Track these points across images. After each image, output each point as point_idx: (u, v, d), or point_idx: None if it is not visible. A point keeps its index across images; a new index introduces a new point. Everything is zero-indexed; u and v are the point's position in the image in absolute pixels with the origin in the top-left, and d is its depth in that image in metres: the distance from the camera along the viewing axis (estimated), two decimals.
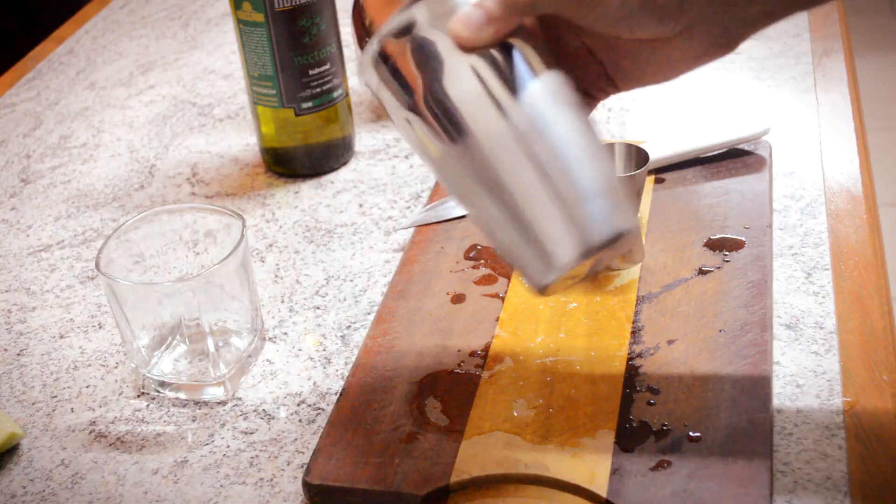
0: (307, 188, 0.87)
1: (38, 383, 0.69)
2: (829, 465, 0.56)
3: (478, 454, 0.57)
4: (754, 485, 0.53)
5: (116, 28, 1.24)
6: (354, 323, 0.71)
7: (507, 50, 0.50)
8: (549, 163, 0.49)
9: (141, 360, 0.66)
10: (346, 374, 0.66)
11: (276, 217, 0.84)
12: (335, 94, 0.86)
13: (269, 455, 0.61)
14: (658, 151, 0.79)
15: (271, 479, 0.59)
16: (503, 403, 0.61)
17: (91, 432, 0.64)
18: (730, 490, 0.53)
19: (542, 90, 0.50)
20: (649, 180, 0.79)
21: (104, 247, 0.64)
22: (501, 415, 0.60)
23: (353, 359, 0.67)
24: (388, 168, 0.89)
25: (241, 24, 0.82)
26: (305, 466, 0.59)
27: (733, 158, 0.81)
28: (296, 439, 0.62)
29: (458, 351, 0.65)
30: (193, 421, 0.64)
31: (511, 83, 0.50)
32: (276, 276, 0.77)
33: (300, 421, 0.63)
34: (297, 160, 0.88)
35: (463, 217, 0.78)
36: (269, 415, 0.64)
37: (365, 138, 0.93)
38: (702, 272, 0.69)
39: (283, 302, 0.74)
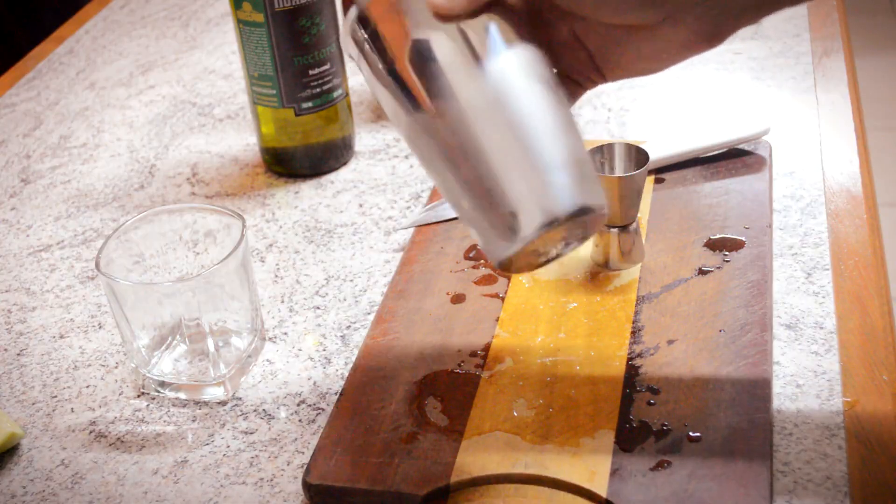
0: (307, 188, 0.87)
1: (38, 383, 0.69)
2: (829, 465, 0.56)
3: (478, 454, 0.57)
4: (754, 485, 0.53)
5: (116, 28, 1.24)
6: (354, 323, 0.71)
7: (482, 22, 0.50)
8: (514, 133, 0.49)
9: (141, 360, 0.66)
10: (346, 374, 0.66)
11: (276, 217, 0.84)
12: (335, 94, 0.86)
13: (269, 455, 0.61)
14: (658, 151, 0.79)
15: (271, 479, 0.59)
16: (503, 403, 0.61)
17: (91, 432, 0.64)
18: (730, 490, 0.53)
19: (514, 61, 0.50)
20: (649, 180, 0.79)
21: (104, 247, 0.64)
22: (501, 415, 0.60)
23: (353, 359, 0.67)
24: (388, 168, 0.89)
25: (241, 24, 0.82)
26: (305, 466, 0.59)
27: (733, 158, 0.81)
28: (296, 439, 0.62)
29: (458, 351, 0.65)
30: (193, 421, 0.64)
31: (481, 53, 0.50)
32: (276, 276, 0.77)
33: (300, 421, 0.63)
34: (297, 160, 0.88)
35: None
36: (269, 415, 0.64)
37: (365, 138, 0.93)
38: (702, 272, 0.69)
39: (283, 302, 0.74)
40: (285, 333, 0.71)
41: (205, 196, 0.87)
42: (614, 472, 0.55)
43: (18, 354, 0.71)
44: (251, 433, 0.63)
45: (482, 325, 0.67)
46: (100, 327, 0.73)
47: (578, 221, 0.49)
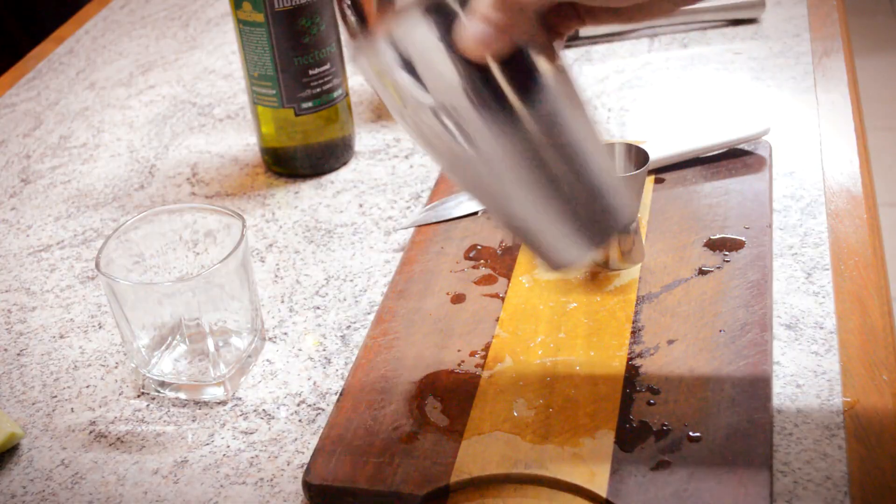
0: (307, 188, 0.87)
1: (38, 383, 0.69)
2: (829, 465, 0.56)
3: (478, 454, 0.57)
4: (754, 485, 0.53)
5: (116, 28, 1.24)
6: (354, 323, 0.71)
7: (517, 49, 0.50)
8: (571, 160, 0.51)
9: (141, 360, 0.66)
10: (346, 374, 0.66)
11: (276, 217, 0.84)
12: (335, 94, 0.86)
13: (269, 455, 0.61)
14: (658, 151, 0.79)
15: (271, 479, 0.59)
16: (503, 403, 0.61)
17: (91, 432, 0.64)
18: (730, 490, 0.53)
19: (557, 89, 0.50)
20: (649, 180, 0.79)
21: (104, 247, 0.64)
22: (501, 415, 0.60)
23: (353, 359, 0.67)
24: (388, 168, 0.89)
25: (241, 24, 0.82)
26: (305, 466, 0.59)
27: (733, 158, 0.81)
28: (296, 439, 0.62)
29: (458, 351, 0.65)
30: (193, 421, 0.64)
31: (528, 88, 0.50)
32: (276, 276, 0.77)
33: (300, 421, 0.63)
34: (297, 160, 0.88)
35: (463, 217, 0.78)
36: (269, 415, 0.64)
37: (365, 138, 0.93)
38: (702, 272, 0.69)
39: (283, 302, 0.74)
40: (285, 333, 0.71)
41: (205, 196, 0.87)
42: (614, 472, 0.55)
43: (18, 354, 0.71)
44: (251, 433, 0.63)
45: (482, 325, 0.67)
46: (100, 327, 0.73)
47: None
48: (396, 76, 0.50)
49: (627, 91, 0.96)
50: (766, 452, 0.55)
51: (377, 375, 0.64)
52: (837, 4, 1.08)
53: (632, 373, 0.62)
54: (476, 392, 0.62)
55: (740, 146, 0.82)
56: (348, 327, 0.71)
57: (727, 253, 0.70)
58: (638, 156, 0.69)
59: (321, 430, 0.62)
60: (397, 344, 0.66)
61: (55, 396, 0.67)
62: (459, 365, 0.64)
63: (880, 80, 2.63)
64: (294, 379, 0.67)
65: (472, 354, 0.65)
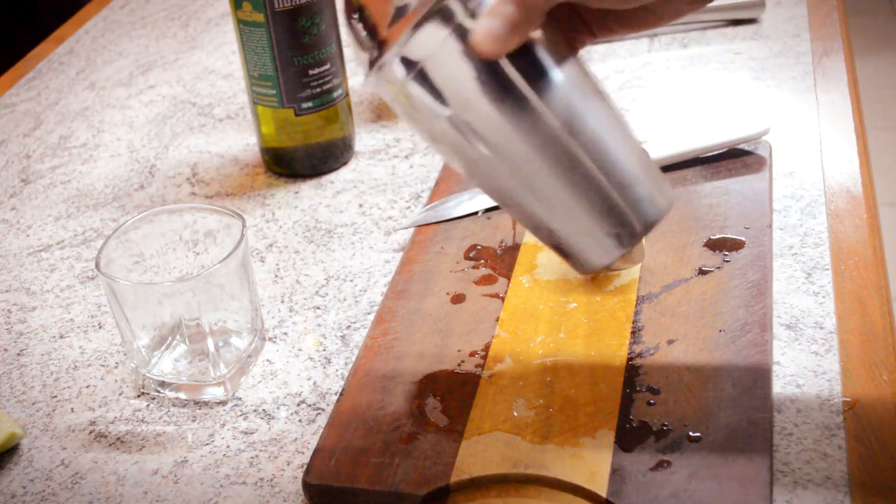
0: (307, 188, 0.87)
1: (38, 383, 0.69)
2: (829, 465, 0.56)
3: (478, 454, 0.57)
4: (754, 485, 0.53)
5: (116, 28, 1.24)
6: (354, 323, 0.71)
7: (532, 46, 0.50)
8: (596, 154, 0.50)
9: (141, 360, 0.66)
10: (346, 374, 0.66)
11: (276, 217, 0.84)
12: (335, 94, 0.86)
13: (269, 455, 0.61)
14: (658, 151, 0.79)
15: (271, 479, 0.59)
16: (503, 403, 0.61)
17: (91, 432, 0.64)
18: (730, 490, 0.53)
19: (575, 81, 0.50)
20: None
21: (104, 247, 0.64)
22: (501, 415, 0.60)
23: (353, 359, 0.67)
24: (388, 168, 0.89)
25: (241, 24, 0.82)
26: (305, 466, 0.59)
27: (733, 158, 0.81)
28: (296, 439, 0.62)
29: (458, 351, 0.65)
30: (193, 421, 0.64)
31: (544, 82, 0.49)
32: (276, 276, 0.77)
33: (300, 421, 0.63)
34: (297, 160, 0.88)
35: (463, 217, 0.78)
36: (269, 415, 0.64)
37: (365, 138, 0.93)
38: (702, 272, 0.69)
39: (283, 302, 0.74)
40: (285, 333, 0.71)
41: (205, 196, 0.87)
42: (614, 472, 0.55)
43: (18, 354, 0.71)
44: (251, 433, 0.63)
45: (482, 325, 0.67)
46: (100, 327, 0.73)
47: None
48: (410, 88, 0.50)
49: (627, 91, 0.96)
50: (766, 452, 0.55)
51: (377, 375, 0.64)
52: (837, 4, 1.08)
53: (632, 373, 0.62)
54: (476, 392, 0.62)
55: (740, 146, 0.82)
56: (348, 327, 0.71)
57: (727, 253, 0.70)
58: None
59: (321, 430, 0.62)
60: (397, 344, 0.66)
61: (55, 396, 0.67)
62: (459, 365, 0.64)
63: (880, 80, 2.63)
64: (294, 379, 0.67)
65: (472, 354, 0.65)
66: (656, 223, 0.52)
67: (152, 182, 0.91)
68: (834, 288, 0.69)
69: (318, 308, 0.73)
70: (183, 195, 0.88)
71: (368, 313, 0.72)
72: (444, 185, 0.83)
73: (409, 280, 0.72)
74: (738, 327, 0.64)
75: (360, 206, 0.84)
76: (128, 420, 0.65)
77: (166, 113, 1.03)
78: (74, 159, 0.96)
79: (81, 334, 0.73)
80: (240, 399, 0.66)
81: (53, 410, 0.66)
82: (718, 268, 0.69)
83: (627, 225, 0.52)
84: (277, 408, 0.65)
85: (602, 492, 0.54)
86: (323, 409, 0.64)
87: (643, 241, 0.72)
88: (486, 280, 0.71)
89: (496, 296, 0.70)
